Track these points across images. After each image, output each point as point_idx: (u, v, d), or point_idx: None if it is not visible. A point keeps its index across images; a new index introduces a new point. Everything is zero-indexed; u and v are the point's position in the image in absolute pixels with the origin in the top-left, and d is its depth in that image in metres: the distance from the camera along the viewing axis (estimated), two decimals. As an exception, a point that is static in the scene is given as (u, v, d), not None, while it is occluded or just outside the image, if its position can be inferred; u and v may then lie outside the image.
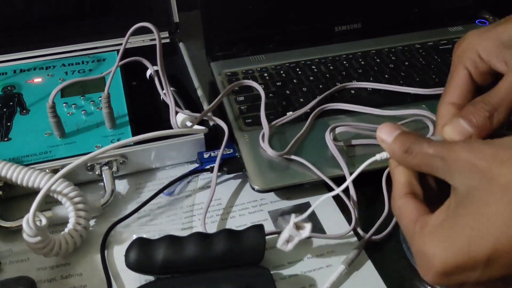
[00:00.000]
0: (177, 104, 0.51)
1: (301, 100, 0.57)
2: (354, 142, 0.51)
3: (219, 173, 0.50)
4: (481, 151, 0.27)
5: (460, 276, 0.27)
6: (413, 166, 0.31)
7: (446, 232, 0.27)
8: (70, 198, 0.44)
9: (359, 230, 0.45)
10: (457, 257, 0.26)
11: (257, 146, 0.51)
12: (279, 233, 0.45)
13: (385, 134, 0.32)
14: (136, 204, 0.47)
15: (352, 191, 0.47)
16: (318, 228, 0.46)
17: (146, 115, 0.55)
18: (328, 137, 0.51)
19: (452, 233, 0.27)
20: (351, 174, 0.47)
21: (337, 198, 0.48)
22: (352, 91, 0.59)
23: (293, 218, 0.37)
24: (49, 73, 0.60)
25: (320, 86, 0.60)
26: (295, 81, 0.61)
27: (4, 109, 0.55)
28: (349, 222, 0.46)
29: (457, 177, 0.28)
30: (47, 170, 0.46)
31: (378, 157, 0.34)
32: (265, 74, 0.62)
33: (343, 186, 0.37)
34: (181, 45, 0.66)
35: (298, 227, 0.38)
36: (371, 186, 0.49)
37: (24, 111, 0.54)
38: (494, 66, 0.34)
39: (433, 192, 0.33)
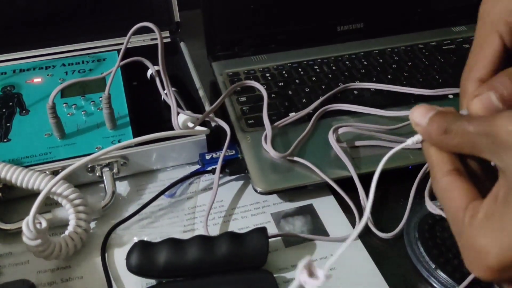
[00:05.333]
0: (178, 105, 0.51)
1: (304, 100, 0.57)
2: (357, 143, 0.50)
3: (221, 175, 0.49)
4: None
5: None
6: (453, 147, 0.28)
7: (499, 224, 0.24)
8: (70, 200, 0.44)
9: (370, 225, 0.45)
10: None
11: (259, 147, 0.50)
12: (282, 235, 0.45)
13: (419, 116, 0.29)
14: (137, 206, 0.47)
15: (361, 192, 0.47)
16: (321, 230, 0.46)
17: (147, 116, 0.55)
18: (332, 138, 0.50)
19: (506, 224, 0.24)
20: (359, 175, 0.47)
21: (340, 200, 0.48)
22: (355, 92, 0.58)
23: (303, 263, 0.33)
24: (49, 73, 0.60)
25: (323, 86, 0.59)
26: (297, 81, 0.60)
27: (4, 110, 0.54)
28: (353, 224, 0.46)
29: (506, 157, 0.24)
30: (47, 172, 0.46)
31: (410, 141, 0.30)
32: (267, 75, 0.61)
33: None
34: (182, 44, 0.65)
35: (310, 273, 0.35)
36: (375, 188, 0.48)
37: (24, 111, 0.54)
38: None
39: (478, 175, 0.29)
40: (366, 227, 0.45)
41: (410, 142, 0.30)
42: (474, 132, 0.26)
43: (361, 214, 0.46)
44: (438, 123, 0.28)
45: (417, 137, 0.30)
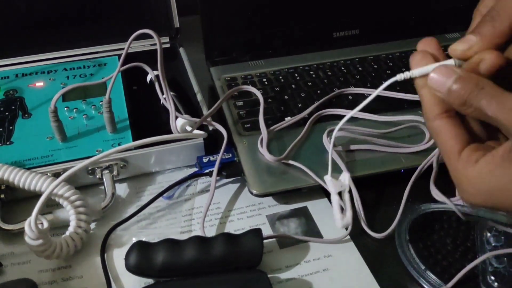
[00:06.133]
0: (177, 109, 0.52)
1: (299, 105, 0.58)
2: (351, 147, 0.52)
3: (218, 177, 0.50)
4: None
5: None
6: (467, 114, 0.30)
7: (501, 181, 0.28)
8: (71, 202, 0.45)
9: (363, 224, 0.46)
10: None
11: (255, 150, 0.52)
12: (276, 237, 0.46)
13: (440, 79, 0.30)
14: (136, 208, 0.48)
15: (355, 194, 0.48)
16: (315, 232, 0.47)
17: (146, 120, 0.56)
18: (326, 141, 0.51)
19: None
20: (352, 178, 0.48)
21: (334, 203, 0.49)
22: (350, 97, 0.60)
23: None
24: (51, 77, 0.61)
25: (318, 91, 0.60)
26: (293, 86, 0.61)
27: (6, 113, 0.55)
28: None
29: None
30: (48, 174, 0.47)
31: (398, 77, 0.33)
32: (264, 80, 0.62)
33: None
34: (181, 50, 0.67)
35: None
36: (368, 190, 0.50)
37: (26, 115, 0.55)
38: None
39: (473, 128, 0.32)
40: (359, 227, 0.46)
41: (399, 77, 0.33)
42: (491, 116, 0.28)
43: (355, 217, 0.47)
44: (459, 94, 0.29)
45: (404, 75, 0.32)
